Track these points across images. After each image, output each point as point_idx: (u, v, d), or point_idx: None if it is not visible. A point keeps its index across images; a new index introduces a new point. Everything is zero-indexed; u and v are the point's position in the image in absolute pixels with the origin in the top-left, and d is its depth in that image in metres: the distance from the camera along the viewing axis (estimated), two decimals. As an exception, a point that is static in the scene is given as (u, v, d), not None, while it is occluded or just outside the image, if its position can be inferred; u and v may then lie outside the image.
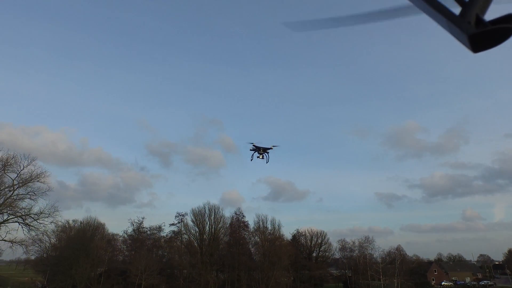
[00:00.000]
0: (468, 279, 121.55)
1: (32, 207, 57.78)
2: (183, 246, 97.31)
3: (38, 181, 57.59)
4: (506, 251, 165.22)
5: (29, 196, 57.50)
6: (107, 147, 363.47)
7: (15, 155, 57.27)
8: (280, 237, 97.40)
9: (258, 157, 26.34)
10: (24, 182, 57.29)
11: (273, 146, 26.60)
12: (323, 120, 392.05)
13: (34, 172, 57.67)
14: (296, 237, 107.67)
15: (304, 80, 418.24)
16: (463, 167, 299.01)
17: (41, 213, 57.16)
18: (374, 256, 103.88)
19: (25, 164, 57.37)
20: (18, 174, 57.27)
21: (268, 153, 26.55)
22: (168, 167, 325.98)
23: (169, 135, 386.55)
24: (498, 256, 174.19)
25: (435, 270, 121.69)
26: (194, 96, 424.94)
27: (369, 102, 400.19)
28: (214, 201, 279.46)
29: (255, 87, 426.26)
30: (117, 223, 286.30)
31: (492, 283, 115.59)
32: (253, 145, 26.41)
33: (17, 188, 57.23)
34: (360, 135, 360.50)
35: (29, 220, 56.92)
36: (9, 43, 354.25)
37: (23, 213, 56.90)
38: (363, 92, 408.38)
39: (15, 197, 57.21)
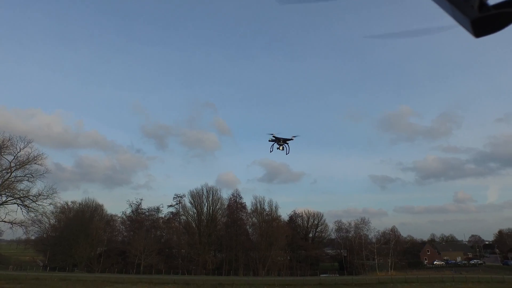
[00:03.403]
0: (459, 258, 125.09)
1: (30, 189, 58.07)
2: (181, 226, 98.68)
3: (35, 163, 57.58)
4: (496, 231, 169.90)
5: (26, 178, 57.64)
6: (102, 129, 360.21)
7: (11, 137, 56.99)
8: (277, 218, 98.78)
9: (278, 148, 25.44)
10: (21, 164, 57.23)
11: (294, 136, 25.43)
12: (318, 103, 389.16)
13: (31, 155, 57.57)
14: (293, 218, 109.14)
15: (300, 64, 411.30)
16: (455, 151, 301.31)
17: (39, 195, 57.51)
18: (369, 237, 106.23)
19: (21, 147, 57.17)
20: (15, 157, 57.16)
21: (288, 144, 25.54)
22: (164, 149, 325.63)
23: (163, 117, 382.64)
24: (488, 237, 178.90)
25: (428, 250, 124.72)
26: (187, 78, 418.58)
27: (364, 87, 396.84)
28: (210, 182, 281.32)
29: (249, 70, 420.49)
30: (115, 204, 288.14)
31: (481, 262, 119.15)
32: (273, 136, 25.42)
33: (14, 170, 57.24)
34: (355, 119, 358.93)
35: (28, 201, 57.29)
36: (1, 23, 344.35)
37: (21, 195, 57.18)
38: (359, 77, 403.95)
39: (12, 179, 57.34)
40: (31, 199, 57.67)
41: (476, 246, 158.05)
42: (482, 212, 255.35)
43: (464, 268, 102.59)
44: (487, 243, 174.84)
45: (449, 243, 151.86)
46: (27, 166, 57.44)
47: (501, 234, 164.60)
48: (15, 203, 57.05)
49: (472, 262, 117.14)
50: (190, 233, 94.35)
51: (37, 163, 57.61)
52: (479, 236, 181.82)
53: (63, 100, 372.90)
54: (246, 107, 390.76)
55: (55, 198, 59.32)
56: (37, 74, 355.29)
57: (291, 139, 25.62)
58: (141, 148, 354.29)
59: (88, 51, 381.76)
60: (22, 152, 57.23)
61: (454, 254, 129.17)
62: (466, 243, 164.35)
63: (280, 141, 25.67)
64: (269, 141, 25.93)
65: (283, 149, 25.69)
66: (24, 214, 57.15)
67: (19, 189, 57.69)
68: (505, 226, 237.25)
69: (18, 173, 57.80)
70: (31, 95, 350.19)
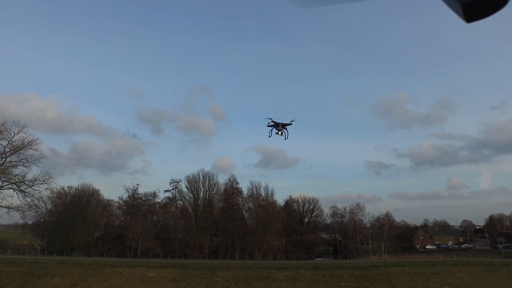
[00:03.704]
0: (450, 243, 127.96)
1: (26, 174, 57.90)
2: (177, 211, 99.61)
3: (30, 148, 57.19)
4: (487, 217, 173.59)
5: (22, 163, 57.37)
6: (97, 114, 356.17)
7: (5, 122, 56.40)
8: (273, 203, 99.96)
9: (276, 133, 24.90)
10: (16, 149, 56.87)
11: (292, 121, 24.94)
12: (314, 88, 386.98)
13: (26, 140, 57.12)
14: (288, 203, 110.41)
15: (297, 48, 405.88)
16: (450, 138, 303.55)
17: (35, 180, 57.38)
18: (364, 221, 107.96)
19: (15, 132, 56.65)
20: (9, 141, 56.67)
21: (286, 129, 25.04)
22: (160, 134, 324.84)
23: (159, 102, 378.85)
24: (480, 222, 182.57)
25: (420, 235, 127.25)
26: (183, 62, 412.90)
27: (361, 72, 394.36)
28: (206, 168, 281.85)
29: (245, 54, 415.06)
30: (111, 189, 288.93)
31: (472, 246, 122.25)
32: (272, 121, 24.86)
33: (9, 155, 56.89)
34: (351, 104, 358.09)
35: (24, 186, 57.24)
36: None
37: (17, 180, 57.09)
38: (356, 62, 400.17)
39: (8, 164, 57.08)
40: (27, 184, 57.63)
41: (467, 231, 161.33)
42: (474, 198, 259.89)
43: (454, 252, 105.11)
44: (478, 228, 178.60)
45: (441, 228, 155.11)
46: (21, 151, 57.08)
47: (491, 219, 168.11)
48: (11, 188, 57.03)
49: (462, 246, 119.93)
50: (186, 218, 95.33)
51: (32, 148, 57.28)
52: (470, 221, 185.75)
53: (57, 85, 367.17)
54: (242, 91, 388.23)
55: (51, 183, 59.31)
56: (30, 58, 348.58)
57: (290, 124, 25.18)
58: (136, 133, 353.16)
59: (83, 35, 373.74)
60: (16, 137, 56.80)
61: (446, 238, 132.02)
62: (458, 228, 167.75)
63: (279, 126, 25.32)
64: (268, 126, 25.55)
65: (282, 134, 25.37)
66: (21, 199, 57.25)
67: (14, 174, 57.57)
68: (496, 211, 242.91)
69: (13, 158, 57.52)
70: (24, 79, 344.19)
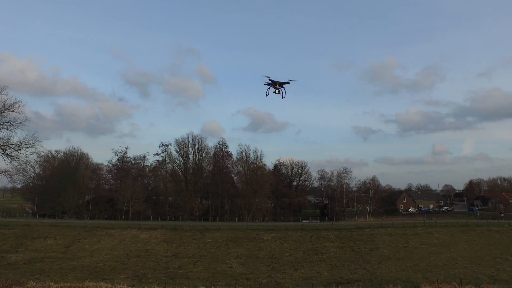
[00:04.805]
0: (431, 206, 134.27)
1: (10, 137, 56.40)
2: (167, 175, 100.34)
3: (13, 111, 55.15)
4: (467, 181, 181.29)
5: (5, 126, 55.50)
6: (82, 77, 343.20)
7: (-17, 83, 53.93)
8: (262, 167, 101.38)
9: (274, 92, 25.13)
10: (-2, 112, 54.84)
11: (290, 80, 25.03)
12: (304, 51, 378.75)
13: (7, 102, 54.91)
14: (277, 167, 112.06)
15: (288, 9, 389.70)
16: (436, 104, 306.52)
17: (21, 143, 55.97)
18: (350, 185, 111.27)
19: (-5, 93, 54.26)
20: (-11, 104, 54.41)
21: (284, 87, 25.20)
22: (147, 97, 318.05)
23: (145, 64, 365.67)
24: (460, 186, 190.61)
25: (404, 199, 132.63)
26: (169, 22, 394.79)
27: (352, 35, 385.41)
28: (195, 131, 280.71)
29: (233, 14, 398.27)
30: (100, 153, 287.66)
31: (450, 209, 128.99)
32: (269, 79, 24.89)
33: (-10, 118, 54.92)
34: (340, 69, 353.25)
35: (10, 150, 55.97)
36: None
37: (1, 144, 55.76)
38: (347, 24, 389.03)
39: (-10, 127, 55.28)
40: (13, 148, 56.31)
41: (448, 195, 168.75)
42: (456, 163, 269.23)
43: (435, 214, 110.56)
44: (457, 192, 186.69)
45: (423, 192, 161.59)
46: (4, 114, 55.12)
47: (470, 184, 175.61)
48: (-4, 152, 55.78)
49: (442, 209, 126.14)
50: (176, 181, 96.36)
51: (14, 110, 55.18)
52: (451, 185, 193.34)
53: (36, 45, 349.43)
54: (230, 54, 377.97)
55: (38, 147, 57.90)
56: (5, 15, 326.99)
57: (288, 83, 25.17)
58: (123, 97, 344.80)
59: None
60: (-4, 99, 54.49)
61: (428, 202, 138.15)
62: (439, 192, 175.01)
63: (276, 85, 25.20)
64: (265, 84, 25.37)
65: (279, 93, 25.29)
66: (7, 163, 56.18)
67: (-2, 137, 55.98)
68: (476, 176, 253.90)
69: (-5, 121, 55.57)
70: (0, 37, 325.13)
